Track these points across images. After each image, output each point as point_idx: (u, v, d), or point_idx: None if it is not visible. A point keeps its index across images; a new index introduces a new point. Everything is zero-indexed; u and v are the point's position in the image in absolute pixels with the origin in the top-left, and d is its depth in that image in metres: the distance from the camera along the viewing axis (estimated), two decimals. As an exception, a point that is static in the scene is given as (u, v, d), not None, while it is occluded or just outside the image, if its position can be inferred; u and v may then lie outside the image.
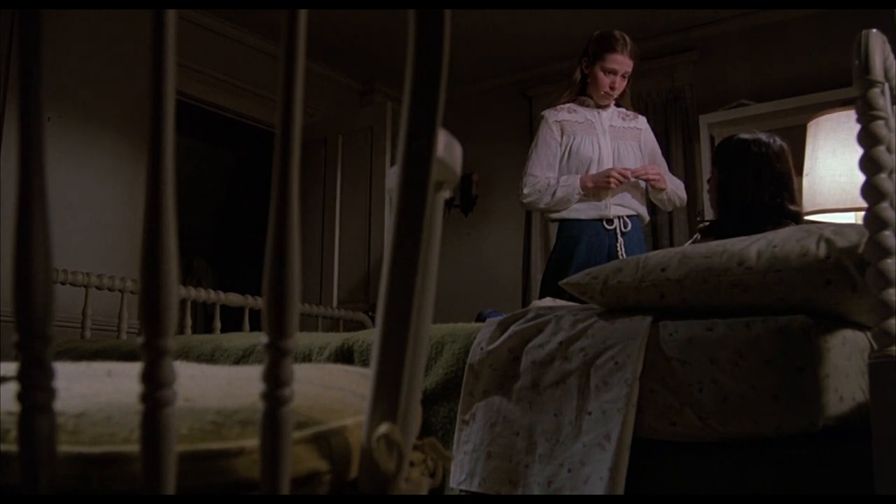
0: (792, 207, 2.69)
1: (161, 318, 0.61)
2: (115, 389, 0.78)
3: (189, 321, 3.86)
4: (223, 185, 7.34)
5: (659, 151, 3.75)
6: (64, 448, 0.66)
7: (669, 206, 3.76)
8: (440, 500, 1.88)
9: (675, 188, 3.64)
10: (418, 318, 0.72)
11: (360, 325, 4.77)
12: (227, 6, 5.02)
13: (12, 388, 0.63)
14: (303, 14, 0.64)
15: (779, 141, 2.77)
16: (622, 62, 3.48)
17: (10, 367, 0.70)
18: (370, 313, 4.88)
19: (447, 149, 0.74)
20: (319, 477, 0.73)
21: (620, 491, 1.61)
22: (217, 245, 7.31)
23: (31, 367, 0.62)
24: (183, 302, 3.76)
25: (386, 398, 0.72)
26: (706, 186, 3.26)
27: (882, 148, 1.47)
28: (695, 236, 3.09)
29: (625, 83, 3.54)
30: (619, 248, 3.43)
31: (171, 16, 0.61)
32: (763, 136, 2.79)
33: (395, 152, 0.71)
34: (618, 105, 3.65)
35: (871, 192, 1.47)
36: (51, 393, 0.62)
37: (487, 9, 4.98)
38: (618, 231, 3.47)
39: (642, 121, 3.74)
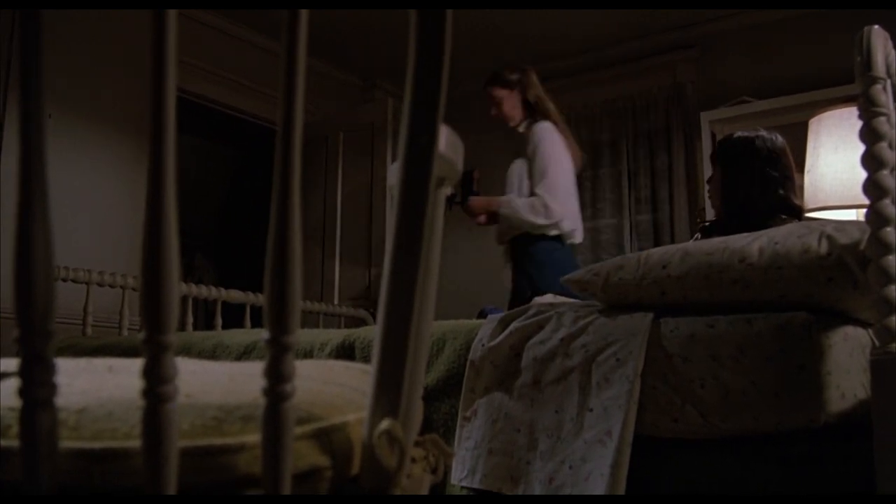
0: (796, 202, 2.73)
1: (162, 313, 0.61)
2: (117, 385, 0.78)
3: (190, 318, 3.86)
4: (225, 183, 7.34)
5: (537, 162, 3.72)
6: (65, 444, 0.66)
7: (517, 231, 3.75)
8: (440, 501, 1.88)
9: (514, 214, 3.70)
10: (420, 314, 0.72)
11: (362, 322, 4.77)
12: (227, 6, 5.03)
13: (13, 383, 0.63)
14: (304, 13, 0.64)
15: (780, 137, 2.80)
16: (488, 95, 3.87)
17: (11, 363, 0.70)
18: (371, 310, 4.88)
19: (449, 144, 0.74)
20: (320, 473, 0.73)
21: (622, 488, 1.61)
22: (218, 243, 7.31)
23: (33, 363, 0.62)
24: (184, 299, 3.76)
25: (387, 394, 0.72)
26: (706, 186, 3.28)
27: (884, 144, 1.47)
28: (696, 236, 3.09)
29: (503, 107, 3.86)
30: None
31: (171, 16, 0.61)
32: (764, 133, 2.80)
33: (397, 149, 0.71)
34: (521, 125, 3.90)
35: (872, 188, 1.47)
36: (52, 388, 0.62)
37: (488, 9, 4.98)
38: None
39: (531, 132, 3.79)
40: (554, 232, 3.66)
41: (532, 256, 3.67)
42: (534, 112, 3.79)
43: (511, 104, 3.84)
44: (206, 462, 0.68)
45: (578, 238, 3.86)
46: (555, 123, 3.76)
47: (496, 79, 3.86)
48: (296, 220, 0.66)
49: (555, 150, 3.67)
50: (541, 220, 3.61)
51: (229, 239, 7.18)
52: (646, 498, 1.68)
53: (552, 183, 3.61)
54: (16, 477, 0.64)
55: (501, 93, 3.83)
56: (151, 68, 0.60)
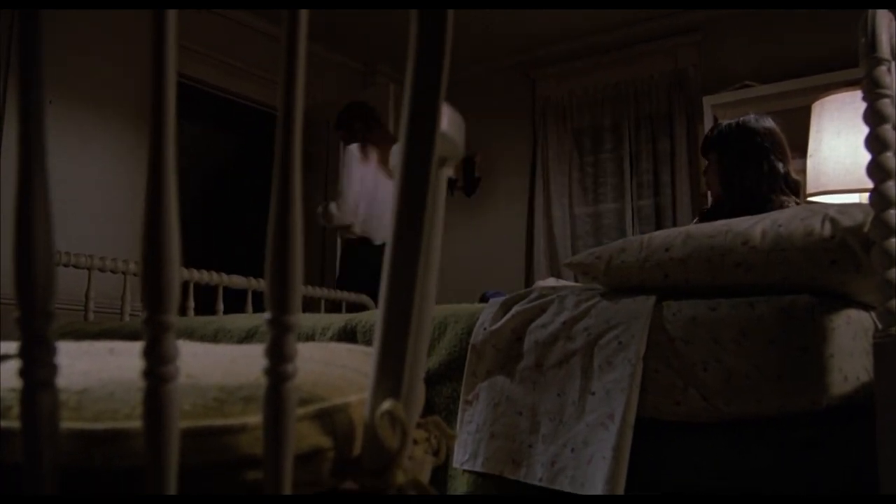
0: (795, 177, 2.77)
1: (163, 293, 0.60)
2: (118, 366, 0.77)
3: (192, 303, 3.85)
4: (225, 169, 7.32)
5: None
6: (66, 425, 0.66)
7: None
8: (442, 500, 1.88)
9: None
10: (422, 291, 0.72)
11: (363, 308, 4.77)
12: (227, 6, 5.04)
13: (14, 365, 0.63)
14: (304, 12, 0.64)
15: (770, 119, 2.85)
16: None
17: (12, 346, 0.69)
18: (373, 295, 4.88)
19: (451, 123, 0.73)
20: (323, 454, 0.73)
21: (623, 471, 1.61)
22: (219, 228, 7.29)
23: (33, 344, 0.61)
24: (185, 284, 3.76)
25: (389, 374, 0.72)
26: (703, 179, 3.33)
27: (888, 126, 1.46)
28: (694, 220, 3.11)
29: (343, 141, 4.84)
30: None
31: (171, 15, 0.60)
32: (754, 115, 2.87)
33: (398, 132, 0.71)
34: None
35: (876, 170, 1.46)
36: (53, 369, 0.62)
37: (487, 8, 4.97)
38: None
39: None
40: (351, 235, 4.56)
41: (341, 254, 4.59)
42: (349, 137, 4.67)
43: (344, 137, 4.80)
44: (208, 443, 0.68)
45: (379, 240, 4.60)
46: (364, 144, 4.57)
47: (336, 125, 4.92)
48: (297, 199, 0.65)
49: (347, 167, 4.50)
50: (325, 223, 4.58)
51: (230, 225, 7.16)
52: (645, 498, 1.68)
53: (340, 195, 4.46)
54: (17, 458, 0.64)
55: (340, 133, 4.86)
56: (152, 64, 0.60)
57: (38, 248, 0.61)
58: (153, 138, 0.60)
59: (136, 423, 0.66)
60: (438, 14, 0.67)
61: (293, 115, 0.64)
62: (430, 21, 0.68)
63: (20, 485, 0.62)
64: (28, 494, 0.62)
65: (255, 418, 0.69)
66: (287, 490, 0.65)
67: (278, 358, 0.65)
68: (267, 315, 0.65)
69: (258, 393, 0.67)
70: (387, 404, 0.72)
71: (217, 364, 0.81)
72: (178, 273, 0.62)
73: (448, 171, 0.85)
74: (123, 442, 0.66)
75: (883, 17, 1.51)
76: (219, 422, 0.68)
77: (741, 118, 2.87)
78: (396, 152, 0.72)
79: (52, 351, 0.62)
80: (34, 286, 0.61)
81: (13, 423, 0.65)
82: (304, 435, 0.72)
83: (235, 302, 4.21)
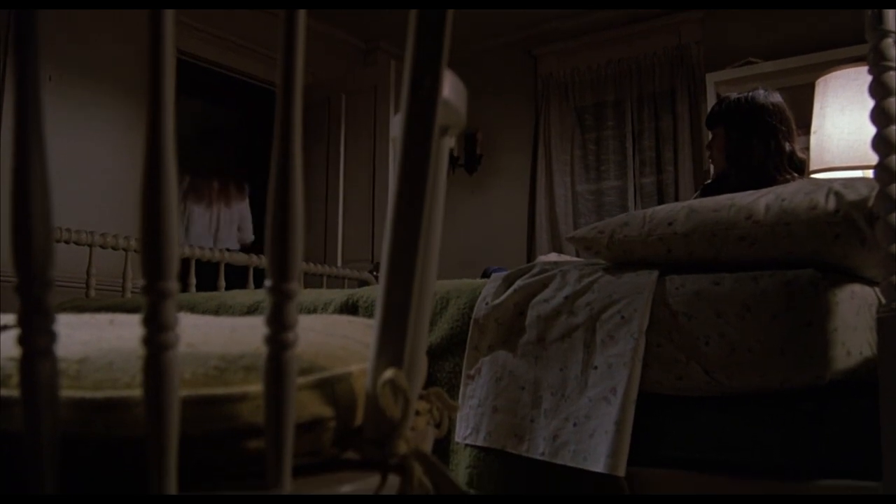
0: (800, 155, 2.76)
1: (162, 259, 0.60)
2: (118, 336, 0.77)
3: (193, 279, 3.85)
4: (225, 146, 7.30)
5: None
6: (66, 393, 0.66)
7: None
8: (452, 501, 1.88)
9: None
10: (424, 259, 0.71)
11: (365, 284, 4.77)
12: (227, 6, 5.01)
13: (13, 335, 0.62)
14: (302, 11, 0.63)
15: (778, 94, 2.84)
16: None
17: (11, 317, 0.69)
18: (374, 272, 4.88)
19: (453, 90, 0.72)
20: (324, 423, 0.73)
21: (626, 445, 1.61)
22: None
23: (32, 311, 0.61)
24: (187, 261, 3.76)
25: (391, 344, 0.72)
26: (707, 152, 3.31)
27: (893, 99, 1.45)
28: (695, 195, 3.10)
29: None
30: None
31: (169, 14, 0.59)
32: (763, 90, 2.85)
33: (399, 110, 0.70)
34: None
35: (881, 144, 1.45)
36: (52, 336, 0.62)
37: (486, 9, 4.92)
38: None
39: None
40: None
41: None
42: None
43: None
44: (208, 411, 0.67)
45: None
46: None
47: None
48: (297, 167, 0.64)
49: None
50: None
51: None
52: (645, 498, 1.68)
53: None
54: (17, 427, 0.63)
55: None
56: (149, 43, 0.59)
57: (35, 215, 0.60)
58: (151, 115, 0.59)
59: (137, 392, 0.66)
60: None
61: (293, 93, 0.63)
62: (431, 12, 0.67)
63: (20, 453, 0.62)
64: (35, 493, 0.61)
65: (255, 387, 0.68)
66: (288, 459, 0.65)
67: (279, 326, 0.64)
68: (267, 283, 0.65)
69: (259, 362, 0.66)
70: (389, 373, 0.71)
71: (218, 333, 0.81)
72: (177, 240, 0.61)
73: (450, 142, 0.84)
74: (123, 410, 0.66)
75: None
76: (219, 390, 0.68)
77: (750, 92, 2.85)
78: (396, 122, 0.71)
79: (50, 318, 0.62)
80: (32, 252, 0.61)
81: (13, 392, 0.65)
82: (305, 404, 0.71)
83: (237, 280, 4.21)
